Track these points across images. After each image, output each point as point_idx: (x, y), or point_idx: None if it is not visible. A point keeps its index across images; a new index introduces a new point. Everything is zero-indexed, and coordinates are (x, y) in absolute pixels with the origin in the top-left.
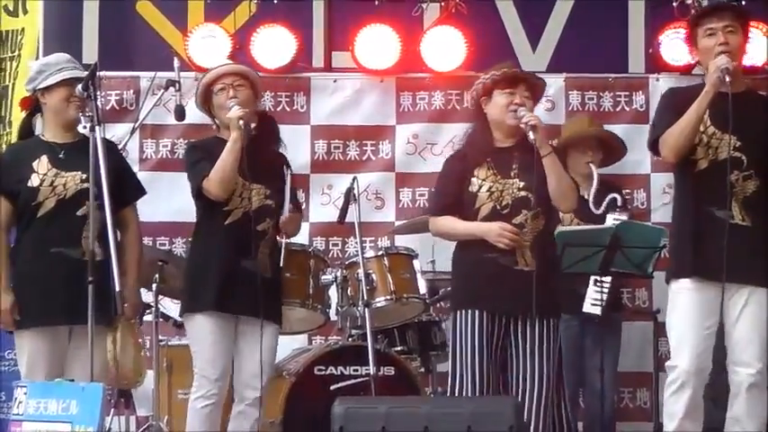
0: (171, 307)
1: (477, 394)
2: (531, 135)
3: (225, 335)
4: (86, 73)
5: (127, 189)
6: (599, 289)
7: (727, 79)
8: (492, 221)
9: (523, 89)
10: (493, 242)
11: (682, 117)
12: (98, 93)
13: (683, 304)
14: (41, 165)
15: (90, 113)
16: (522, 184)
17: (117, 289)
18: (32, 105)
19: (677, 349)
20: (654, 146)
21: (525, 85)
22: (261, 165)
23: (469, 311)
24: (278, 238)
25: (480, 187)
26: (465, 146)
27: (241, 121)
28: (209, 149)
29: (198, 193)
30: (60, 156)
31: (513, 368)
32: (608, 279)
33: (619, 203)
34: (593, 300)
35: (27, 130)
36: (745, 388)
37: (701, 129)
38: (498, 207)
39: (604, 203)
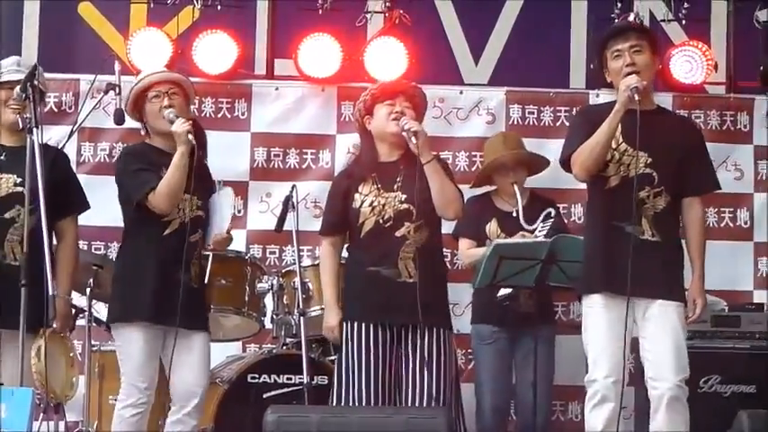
0: (104, 312)
1: (364, 406)
2: (413, 140)
3: (155, 345)
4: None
5: (69, 200)
6: None
7: (636, 98)
8: (376, 236)
9: (402, 100)
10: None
11: (592, 135)
12: (37, 95)
13: (595, 320)
14: None
15: (29, 116)
16: (404, 196)
17: (51, 293)
18: None
19: (594, 364)
20: (566, 163)
21: (404, 96)
22: (193, 175)
23: (355, 323)
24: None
25: (362, 203)
26: (351, 164)
27: (190, 136)
28: (145, 158)
29: (139, 204)
30: (1, 157)
31: (404, 379)
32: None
33: (552, 216)
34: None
35: None
36: (665, 402)
37: (613, 146)
38: (381, 221)
39: (540, 218)
